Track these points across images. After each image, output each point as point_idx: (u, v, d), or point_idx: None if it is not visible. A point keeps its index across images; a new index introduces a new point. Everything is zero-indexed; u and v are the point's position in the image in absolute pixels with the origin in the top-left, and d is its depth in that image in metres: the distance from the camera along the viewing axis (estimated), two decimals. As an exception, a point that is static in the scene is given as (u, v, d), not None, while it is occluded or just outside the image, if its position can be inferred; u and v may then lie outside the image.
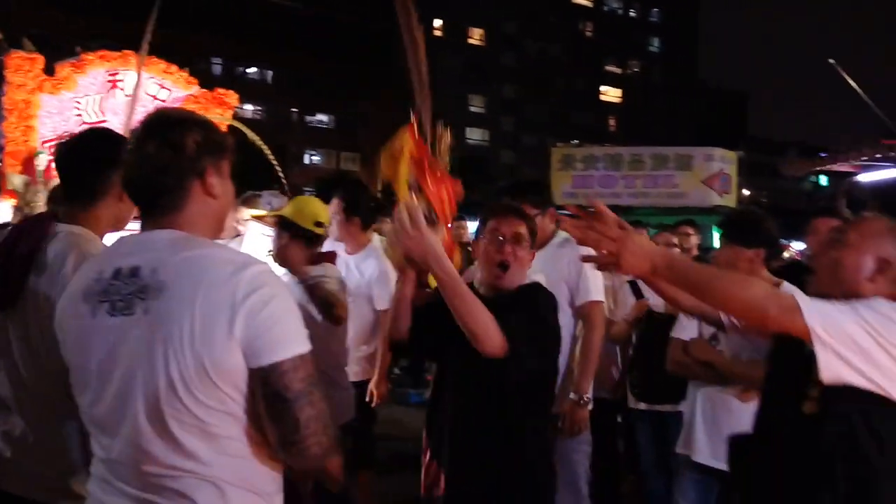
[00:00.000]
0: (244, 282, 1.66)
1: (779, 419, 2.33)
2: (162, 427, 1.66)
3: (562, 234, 4.13)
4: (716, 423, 3.40)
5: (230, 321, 1.64)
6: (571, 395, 3.99)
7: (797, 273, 3.78)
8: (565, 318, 3.79)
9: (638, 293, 4.70)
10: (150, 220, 1.80)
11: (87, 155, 2.43)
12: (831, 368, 2.08)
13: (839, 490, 2.11)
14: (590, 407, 4.04)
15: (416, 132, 4.24)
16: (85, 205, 2.41)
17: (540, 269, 3.09)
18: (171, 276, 1.67)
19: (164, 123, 1.80)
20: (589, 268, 3.95)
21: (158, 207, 1.79)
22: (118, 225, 2.48)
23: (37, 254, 2.29)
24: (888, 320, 2.09)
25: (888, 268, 2.22)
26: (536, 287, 2.98)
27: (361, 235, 4.61)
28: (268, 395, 1.67)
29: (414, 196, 4.06)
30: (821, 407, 2.17)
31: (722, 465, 3.31)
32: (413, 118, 4.29)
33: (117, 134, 2.59)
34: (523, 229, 2.98)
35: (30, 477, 2.30)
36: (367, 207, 4.59)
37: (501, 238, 2.94)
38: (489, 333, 2.57)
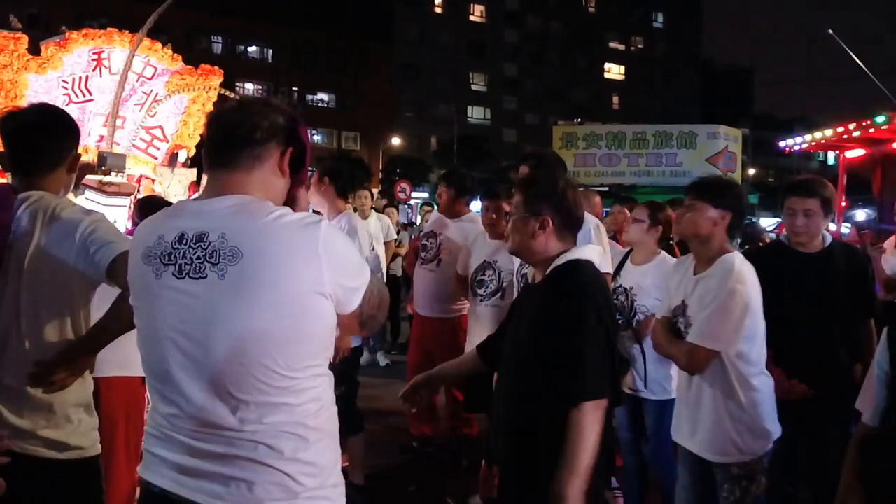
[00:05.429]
0: (321, 239, 1.75)
1: None
2: (249, 384, 1.71)
3: None
4: (685, 403, 3.24)
5: (319, 281, 1.74)
6: None
7: (772, 255, 3.75)
8: None
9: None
10: (218, 180, 1.85)
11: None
12: None
13: None
14: None
15: None
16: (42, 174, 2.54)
17: None
18: (245, 241, 1.72)
19: (267, 100, 1.93)
20: (604, 242, 4.06)
21: (232, 162, 1.83)
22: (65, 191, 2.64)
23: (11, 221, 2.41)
24: None
25: None
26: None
27: (337, 201, 4.66)
28: (362, 321, 1.94)
29: None
30: None
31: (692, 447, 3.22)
32: None
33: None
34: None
35: (27, 434, 2.35)
36: (344, 174, 4.67)
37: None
38: None
